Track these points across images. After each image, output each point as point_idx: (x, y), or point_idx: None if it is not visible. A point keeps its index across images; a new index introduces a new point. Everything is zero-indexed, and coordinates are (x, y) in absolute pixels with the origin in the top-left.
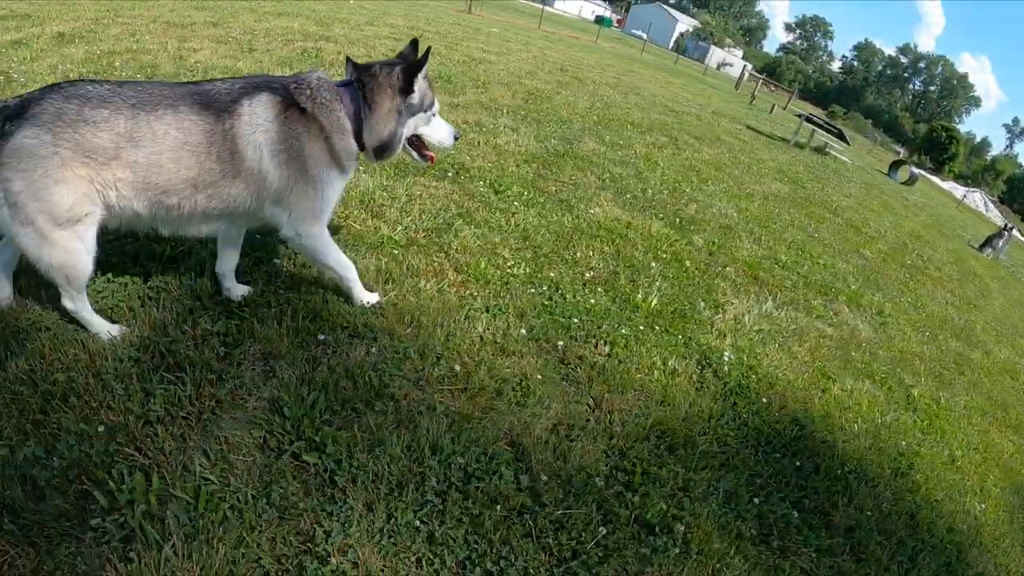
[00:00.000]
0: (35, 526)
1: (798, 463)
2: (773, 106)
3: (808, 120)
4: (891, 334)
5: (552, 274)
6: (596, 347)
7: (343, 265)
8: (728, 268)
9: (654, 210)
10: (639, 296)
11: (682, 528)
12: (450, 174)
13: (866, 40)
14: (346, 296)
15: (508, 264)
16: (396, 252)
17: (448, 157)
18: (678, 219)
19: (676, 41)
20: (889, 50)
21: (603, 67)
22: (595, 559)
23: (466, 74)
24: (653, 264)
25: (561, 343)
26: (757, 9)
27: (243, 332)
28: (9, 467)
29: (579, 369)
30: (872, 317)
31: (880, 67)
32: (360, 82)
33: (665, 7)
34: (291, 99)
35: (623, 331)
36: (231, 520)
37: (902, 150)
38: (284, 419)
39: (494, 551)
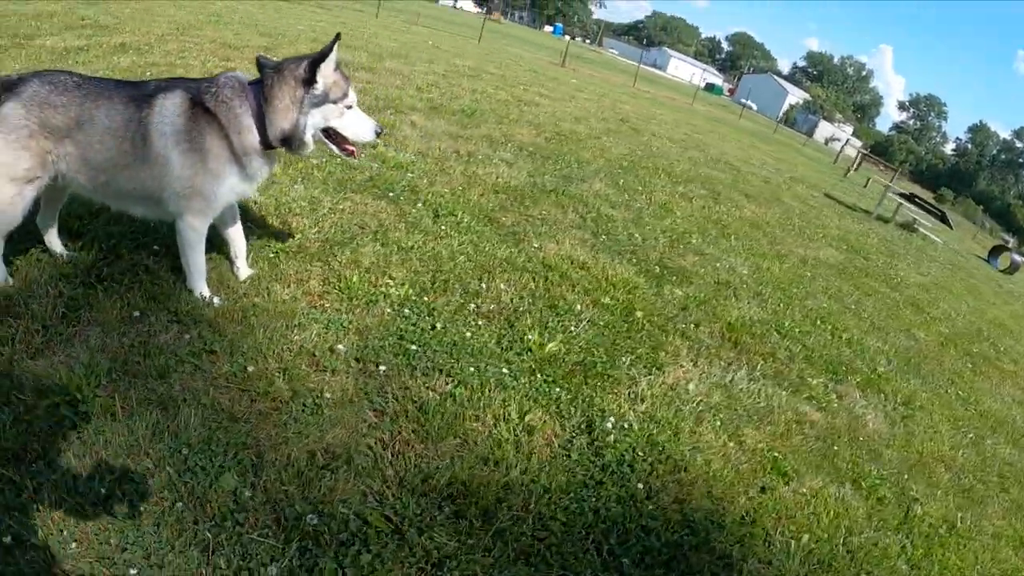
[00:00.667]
0: None
1: None
2: (868, 179)
3: (896, 193)
4: (913, 430)
5: (433, 300)
6: (434, 382)
7: (198, 270)
8: (699, 327)
9: (632, 255)
10: (534, 338)
11: None
12: (391, 194)
13: (981, 122)
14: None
15: (389, 284)
16: (272, 256)
17: (402, 179)
18: (659, 268)
19: (785, 113)
20: (1005, 133)
21: (679, 124)
22: None
23: (497, 111)
24: (580, 307)
25: (383, 368)
26: (871, 85)
27: (88, 300)
28: None
29: (396, 401)
30: (893, 407)
31: (995, 151)
32: (261, 78)
33: (776, 78)
34: (198, 98)
35: (481, 371)
36: None
37: (1011, 238)
38: (70, 374)
39: (146, 545)
